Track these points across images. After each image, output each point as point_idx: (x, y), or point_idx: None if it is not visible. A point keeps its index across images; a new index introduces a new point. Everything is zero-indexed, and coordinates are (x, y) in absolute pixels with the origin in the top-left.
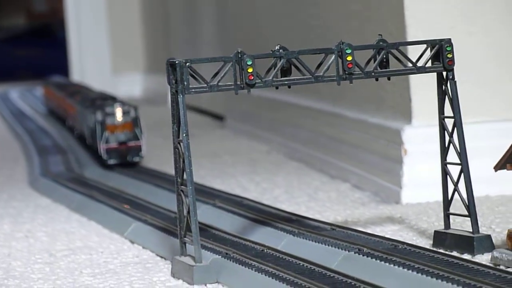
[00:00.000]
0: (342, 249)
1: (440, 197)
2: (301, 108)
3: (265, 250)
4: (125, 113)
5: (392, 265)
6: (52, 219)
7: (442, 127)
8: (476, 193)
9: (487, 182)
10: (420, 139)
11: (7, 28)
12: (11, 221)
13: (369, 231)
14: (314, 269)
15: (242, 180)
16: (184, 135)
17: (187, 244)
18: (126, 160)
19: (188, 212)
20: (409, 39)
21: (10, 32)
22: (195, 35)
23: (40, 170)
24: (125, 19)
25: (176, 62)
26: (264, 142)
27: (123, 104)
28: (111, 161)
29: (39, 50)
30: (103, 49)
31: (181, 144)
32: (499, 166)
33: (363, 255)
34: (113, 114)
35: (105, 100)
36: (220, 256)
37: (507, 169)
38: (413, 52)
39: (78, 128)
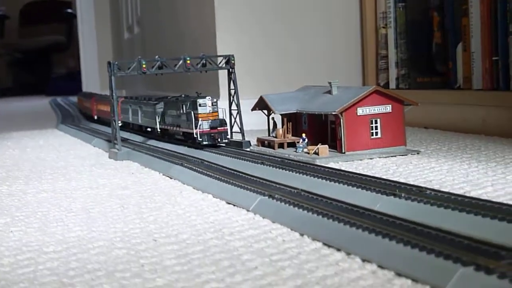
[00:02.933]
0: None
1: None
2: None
3: (152, 147)
4: (213, 104)
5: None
6: (63, 141)
7: (229, 94)
8: (246, 128)
9: (252, 124)
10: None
11: (57, 73)
12: (44, 140)
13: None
14: (175, 154)
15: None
16: (114, 94)
17: (116, 145)
18: (216, 141)
19: (115, 130)
20: (218, 54)
21: (58, 75)
22: (131, 49)
23: (61, 122)
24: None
25: (111, 62)
26: None
27: (211, 98)
28: (204, 142)
29: (70, 83)
30: (96, 82)
31: (112, 99)
32: (253, 108)
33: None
34: (205, 105)
35: (193, 96)
36: (130, 149)
37: (257, 110)
38: (219, 60)
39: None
